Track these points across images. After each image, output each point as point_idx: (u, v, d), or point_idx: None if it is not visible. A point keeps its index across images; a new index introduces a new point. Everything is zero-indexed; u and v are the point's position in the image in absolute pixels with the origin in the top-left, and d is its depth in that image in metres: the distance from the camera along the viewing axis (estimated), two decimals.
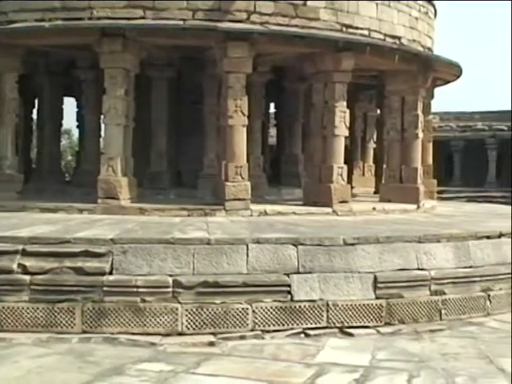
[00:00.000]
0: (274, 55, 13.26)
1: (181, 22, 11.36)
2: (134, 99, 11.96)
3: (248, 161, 11.96)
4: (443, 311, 8.93)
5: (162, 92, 14.35)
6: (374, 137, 18.68)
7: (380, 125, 16.83)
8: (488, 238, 10.00)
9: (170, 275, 8.04)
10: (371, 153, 19.23)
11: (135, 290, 7.88)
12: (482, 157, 30.20)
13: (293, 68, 14.90)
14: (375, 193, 15.87)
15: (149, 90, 14.23)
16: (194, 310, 7.90)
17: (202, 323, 7.91)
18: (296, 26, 11.91)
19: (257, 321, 8.05)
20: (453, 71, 15.30)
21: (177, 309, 7.87)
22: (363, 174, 18.88)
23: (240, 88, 11.42)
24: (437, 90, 16.71)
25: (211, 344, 7.62)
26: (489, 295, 9.39)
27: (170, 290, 7.94)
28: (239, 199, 11.38)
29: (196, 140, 14.19)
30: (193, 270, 8.15)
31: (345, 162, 12.67)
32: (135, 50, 11.61)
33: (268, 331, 8.04)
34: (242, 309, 8.01)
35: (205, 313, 7.92)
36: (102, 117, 12.30)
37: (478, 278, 9.34)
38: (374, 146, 18.60)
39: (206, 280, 8.04)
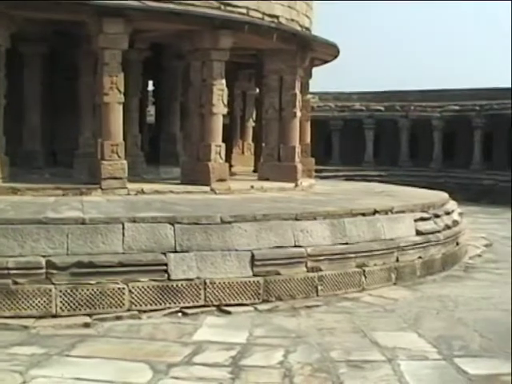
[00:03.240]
0: (152, 32, 13.04)
1: None
2: (5, 76, 11.51)
3: (125, 139, 11.76)
4: (319, 287, 9.07)
5: (35, 68, 13.95)
6: (254, 116, 18.70)
7: (259, 104, 16.84)
8: (363, 215, 10.20)
9: (43, 256, 7.84)
10: (250, 131, 19.25)
11: (6, 272, 7.64)
12: (359, 136, 30.76)
13: (171, 45, 14.73)
14: (254, 171, 15.90)
15: (22, 66, 13.77)
16: (69, 291, 7.74)
17: (76, 304, 7.77)
18: (174, 2, 11.73)
19: (133, 301, 7.97)
20: (330, 51, 15.46)
21: (50, 290, 7.69)
22: (242, 153, 18.90)
23: (116, 65, 11.18)
24: (317, 70, 16.89)
25: (86, 325, 7.51)
26: (364, 271, 9.60)
27: (43, 271, 7.74)
28: (116, 178, 11.17)
29: (72, 118, 13.86)
30: (67, 250, 7.97)
31: (224, 141, 12.62)
32: (4, 23, 11.11)
33: (145, 311, 7.99)
34: (118, 289, 7.91)
35: (80, 294, 7.78)
36: None
37: (353, 255, 9.53)
38: (254, 124, 18.63)
39: (81, 260, 7.88)
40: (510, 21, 59.97)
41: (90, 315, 7.72)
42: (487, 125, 28.61)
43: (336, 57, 16.05)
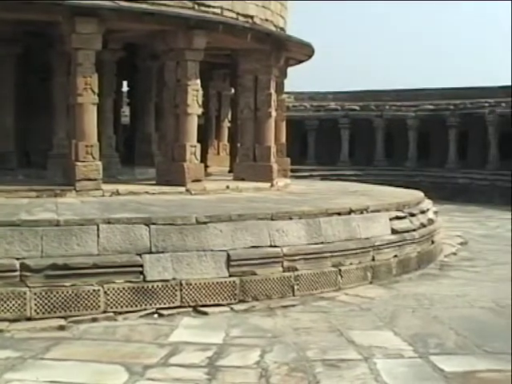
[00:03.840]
0: (126, 32, 12.99)
1: None
2: None
3: (99, 140, 11.71)
4: (296, 287, 9.06)
5: (8, 69, 13.81)
6: (229, 116, 18.69)
7: (234, 104, 16.84)
8: (339, 214, 10.21)
9: (17, 258, 7.76)
10: (226, 132, 19.24)
11: None
12: (335, 136, 30.80)
13: (145, 46, 14.69)
14: (230, 171, 15.88)
15: None
16: (43, 293, 7.68)
17: (51, 307, 7.70)
18: (148, 2, 11.69)
19: (109, 302, 7.92)
20: (305, 51, 15.49)
21: (25, 293, 7.62)
22: (218, 153, 18.88)
23: (89, 65, 11.11)
24: (292, 70, 16.91)
25: (61, 328, 7.45)
26: (340, 270, 9.61)
27: (17, 273, 7.67)
28: (90, 179, 11.11)
29: (46, 119, 13.77)
30: (41, 252, 7.90)
31: (199, 141, 12.60)
32: None
33: (120, 313, 7.94)
34: (94, 291, 7.86)
35: (54, 296, 7.71)
36: None
37: (329, 254, 9.54)
38: (229, 124, 18.62)
39: (55, 262, 7.82)
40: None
41: (65, 318, 7.65)
42: (462, 124, 28.78)
43: (311, 57, 16.08)
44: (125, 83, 18.06)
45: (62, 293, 7.73)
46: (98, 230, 8.22)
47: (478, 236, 16.08)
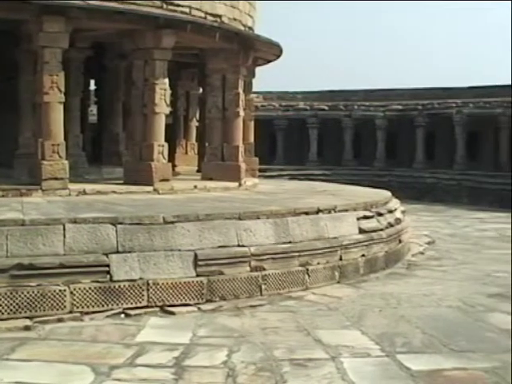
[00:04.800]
0: (94, 31, 12.91)
1: None
2: None
3: (66, 139, 11.62)
4: (263, 286, 9.06)
5: None
6: (197, 115, 18.63)
7: (202, 103, 16.80)
8: (306, 214, 10.23)
9: None
10: (194, 131, 19.14)
11: None
12: (304, 136, 30.86)
13: (113, 44, 14.61)
14: (198, 171, 15.84)
15: None
16: (8, 293, 7.59)
17: (16, 307, 7.62)
18: (116, 1, 11.62)
19: (75, 302, 7.86)
20: (273, 51, 15.48)
21: None
22: (186, 153, 18.79)
23: (56, 64, 11.02)
24: (261, 70, 16.91)
25: (27, 328, 7.38)
26: (307, 270, 9.63)
27: None
28: (56, 178, 11.01)
29: (12, 117, 13.60)
30: (6, 252, 7.83)
31: (167, 141, 12.55)
32: None
33: (87, 313, 7.89)
34: (60, 291, 7.79)
35: (20, 296, 7.63)
36: None
37: (296, 254, 9.55)
38: (197, 124, 18.56)
39: (21, 262, 7.75)
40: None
41: (30, 318, 7.58)
42: (429, 124, 28.97)
43: (279, 56, 16.08)
44: (92, 82, 17.97)
45: (28, 293, 7.65)
46: (64, 229, 8.16)
47: (445, 235, 16.21)
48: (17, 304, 7.61)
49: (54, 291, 7.76)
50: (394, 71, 64.16)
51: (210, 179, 13.75)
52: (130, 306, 8.10)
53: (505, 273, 11.15)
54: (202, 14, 13.09)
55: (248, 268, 9.00)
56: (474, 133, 27.83)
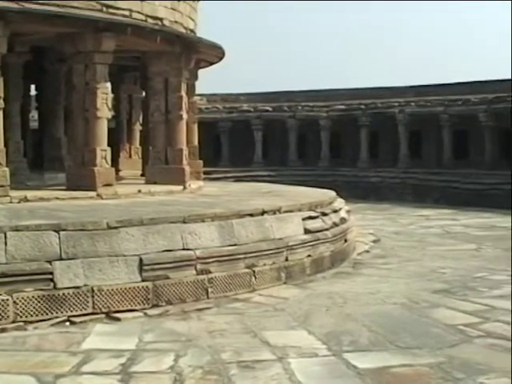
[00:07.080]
0: (33, 35, 12.72)
1: None
2: None
3: (7, 145, 11.47)
4: (210, 289, 9.04)
5: None
6: (141, 119, 18.53)
7: (145, 107, 16.69)
8: (251, 215, 10.24)
9: None
10: (138, 135, 19.06)
11: None
12: (248, 137, 30.87)
13: (53, 48, 14.39)
14: (142, 175, 15.74)
15: None
16: None
17: None
18: (56, 4, 11.48)
19: (18, 312, 7.73)
20: (215, 53, 15.47)
21: None
22: (130, 157, 18.69)
23: None
24: (204, 72, 16.88)
25: None
26: (253, 271, 9.63)
27: None
28: None
29: None
30: None
31: (110, 145, 12.45)
32: None
33: (31, 322, 7.77)
34: (2, 300, 7.65)
35: None
36: None
37: (242, 256, 9.55)
38: (141, 128, 18.46)
39: None
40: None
41: None
42: (373, 123, 29.21)
43: (222, 58, 16.08)
44: (33, 87, 17.73)
45: None
46: (5, 237, 8.00)
47: (390, 233, 16.35)
48: None
49: None
50: (338, 71, 64.49)
51: (155, 183, 13.67)
52: (74, 313, 7.99)
53: (449, 269, 11.31)
54: (143, 17, 13.03)
55: (194, 271, 8.96)
56: (417, 131, 28.17)
